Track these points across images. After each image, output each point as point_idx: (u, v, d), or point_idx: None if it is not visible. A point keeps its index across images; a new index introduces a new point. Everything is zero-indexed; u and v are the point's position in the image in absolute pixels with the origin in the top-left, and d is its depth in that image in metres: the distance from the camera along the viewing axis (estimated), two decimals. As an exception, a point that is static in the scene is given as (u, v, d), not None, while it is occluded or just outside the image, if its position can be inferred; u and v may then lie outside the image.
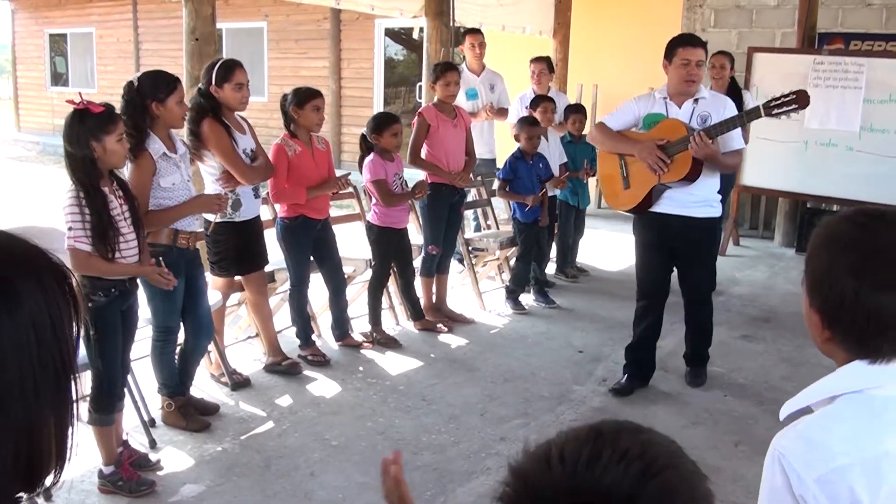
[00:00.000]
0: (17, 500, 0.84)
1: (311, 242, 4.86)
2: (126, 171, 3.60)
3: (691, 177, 4.22)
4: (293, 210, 4.75)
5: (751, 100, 6.34)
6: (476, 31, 7.03)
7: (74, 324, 0.87)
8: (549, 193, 6.24)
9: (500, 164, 7.16)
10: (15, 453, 0.81)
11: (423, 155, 5.47)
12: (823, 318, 1.31)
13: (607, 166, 4.64)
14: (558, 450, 0.79)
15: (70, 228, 3.12)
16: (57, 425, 0.85)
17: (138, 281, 3.51)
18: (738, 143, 4.41)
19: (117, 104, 3.48)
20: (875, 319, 1.26)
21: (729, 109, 4.32)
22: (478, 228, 7.12)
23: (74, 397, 0.87)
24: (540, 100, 6.35)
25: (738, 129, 4.29)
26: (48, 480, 0.85)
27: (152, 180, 3.64)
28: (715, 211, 4.45)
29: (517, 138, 5.97)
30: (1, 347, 0.79)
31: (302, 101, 4.67)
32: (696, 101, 4.36)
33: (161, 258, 3.62)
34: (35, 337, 0.82)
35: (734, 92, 6.27)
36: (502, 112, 7.05)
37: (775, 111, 4.13)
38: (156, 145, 3.65)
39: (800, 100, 4.08)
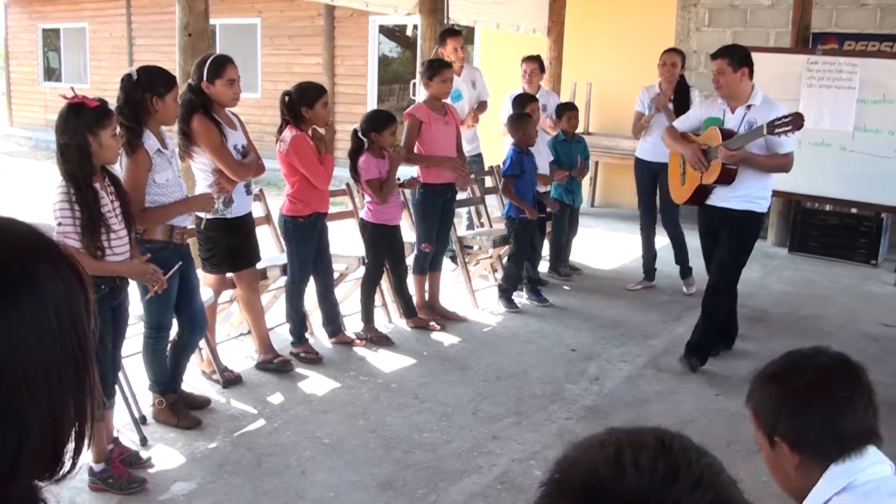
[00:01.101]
0: (37, 489, 0.85)
1: (316, 239, 4.86)
2: (120, 167, 3.59)
3: (724, 179, 4.70)
4: (307, 207, 4.75)
5: (697, 98, 6.32)
6: (457, 33, 6.96)
7: (87, 312, 0.88)
8: (542, 190, 6.26)
9: (487, 160, 7.17)
10: (41, 439, 0.82)
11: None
12: (792, 444, 1.54)
13: (673, 164, 5.24)
14: (632, 455, 0.79)
15: (59, 224, 3.10)
16: (76, 413, 0.85)
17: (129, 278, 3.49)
18: (784, 148, 4.69)
19: (110, 100, 3.46)
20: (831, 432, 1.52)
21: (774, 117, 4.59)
22: (470, 227, 7.10)
23: (91, 385, 0.87)
24: (527, 99, 6.32)
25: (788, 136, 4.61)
26: (65, 468, 0.86)
27: (148, 176, 3.63)
28: (756, 206, 4.79)
29: (515, 134, 5.94)
30: (26, 334, 0.80)
31: (311, 102, 4.66)
32: (748, 107, 4.75)
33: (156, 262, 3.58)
34: (56, 324, 0.83)
35: (682, 90, 6.33)
36: (482, 106, 7.03)
37: (777, 130, 4.47)
38: (150, 141, 3.64)
39: (794, 121, 4.43)
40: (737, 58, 4.69)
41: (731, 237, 4.83)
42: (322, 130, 4.79)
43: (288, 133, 4.66)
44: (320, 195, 4.77)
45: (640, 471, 0.77)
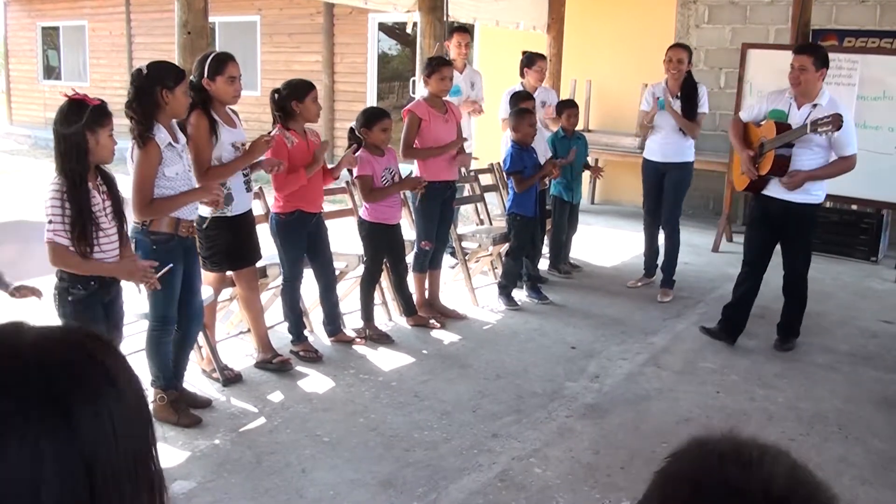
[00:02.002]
0: None
1: (305, 237, 4.84)
2: (131, 159, 3.60)
3: (776, 171, 4.97)
4: (289, 205, 4.73)
5: (704, 94, 6.26)
6: (464, 31, 7.00)
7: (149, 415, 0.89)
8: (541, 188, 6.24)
9: (486, 158, 7.17)
10: None
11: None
12: None
13: (737, 156, 5.49)
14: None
15: (50, 221, 3.10)
16: None
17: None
18: (847, 150, 4.92)
19: (109, 97, 3.47)
20: None
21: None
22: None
23: (162, 491, 0.87)
24: (523, 96, 6.31)
25: (851, 135, 4.90)
26: None
27: (158, 169, 3.64)
28: (813, 198, 5.06)
29: (514, 130, 5.93)
30: (116, 432, 0.80)
31: (302, 95, 4.64)
32: (813, 105, 4.92)
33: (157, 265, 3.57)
34: (133, 419, 0.83)
35: (690, 86, 6.18)
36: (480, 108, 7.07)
37: (819, 129, 4.72)
38: (161, 134, 3.66)
39: (833, 121, 4.68)
40: (820, 57, 4.88)
41: (795, 232, 5.12)
42: (314, 129, 4.78)
43: (274, 131, 4.67)
44: (305, 194, 4.72)
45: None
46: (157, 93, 3.64)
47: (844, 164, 4.98)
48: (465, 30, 7.06)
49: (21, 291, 3.34)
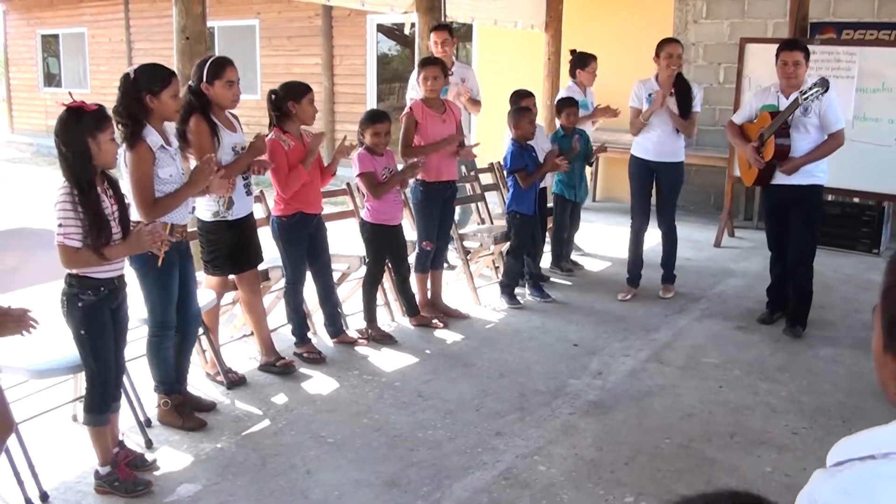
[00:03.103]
0: None
1: (307, 239, 4.85)
2: (125, 164, 3.61)
3: (779, 156, 5.23)
4: (290, 207, 4.74)
5: (697, 92, 6.03)
6: (440, 28, 6.74)
7: None
8: (542, 185, 6.24)
9: (488, 157, 7.17)
10: None
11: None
12: None
13: (741, 153, 5.77)
14: None
15: (60, 225, 3.10)
16: None
17: (126, 279, 3.49)
18: (836, 126, 5.20)
19: (110, 104, 3.48)
20: None
21: (827, 103, 5.12)
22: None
23: None
24: (524, 94, 6.31)
25: (837, 111, 5.19)
26: None
27: (153, 169, 3.64)
28: (816, 179, 5.30)
29: (514, 127, 5.93)
30: None
31: (298, 96, 4.65)
32: (801, 92, 5.12)
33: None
34: None
35: (682, 82, 5.96)
36: (476, 103, 6.93)
37: (808, 96, 4.99)
38: (153, 136, 3.65)
39: (821, 84, 4.98)
40: (808, 51, 5.26)
41: (802, 213, 5.33)
42: (310, 130, 4.78)
43: (271, 134, 4.68)
44: (304, 196, 4.73)
45: None
46: (143, 97, 3.65)
47: (834, 143, 5.23)
48: (444, 27, 6.78)
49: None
